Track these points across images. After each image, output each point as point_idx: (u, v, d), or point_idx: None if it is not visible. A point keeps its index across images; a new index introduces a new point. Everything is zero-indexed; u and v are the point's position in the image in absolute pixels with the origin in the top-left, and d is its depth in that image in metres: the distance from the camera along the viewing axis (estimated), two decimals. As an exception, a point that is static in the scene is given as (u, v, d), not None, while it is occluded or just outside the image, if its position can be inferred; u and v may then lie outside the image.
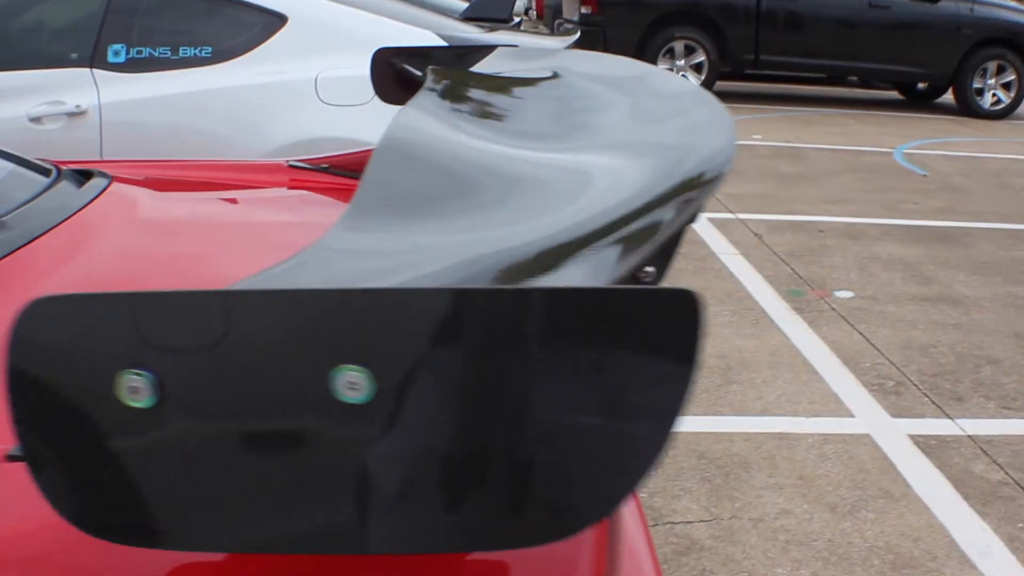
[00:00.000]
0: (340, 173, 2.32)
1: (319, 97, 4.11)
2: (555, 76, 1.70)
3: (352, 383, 0.64)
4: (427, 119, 1.20)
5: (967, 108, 12.39)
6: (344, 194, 2.24)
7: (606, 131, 1.22)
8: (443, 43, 4.23)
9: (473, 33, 4.54)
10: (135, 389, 0.64)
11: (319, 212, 2.10)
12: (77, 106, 4.08)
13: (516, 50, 2.64)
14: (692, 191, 0.97)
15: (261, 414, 0.65)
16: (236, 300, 0.64)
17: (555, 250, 0.84)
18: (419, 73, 2.33)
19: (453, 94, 1.49)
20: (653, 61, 11.62)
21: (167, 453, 0.65)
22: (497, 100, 1.46)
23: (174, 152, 4.02)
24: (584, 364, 0.65)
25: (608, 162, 1.06)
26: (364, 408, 0.64)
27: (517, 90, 1.57)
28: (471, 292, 0.63)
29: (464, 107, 1.37)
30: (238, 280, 1.60)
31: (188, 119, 4.12)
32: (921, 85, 13.44)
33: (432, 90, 1.47)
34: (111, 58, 4.17)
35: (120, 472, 0.65)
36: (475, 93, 1.53)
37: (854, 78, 13.86)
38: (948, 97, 13.06)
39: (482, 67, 2.31)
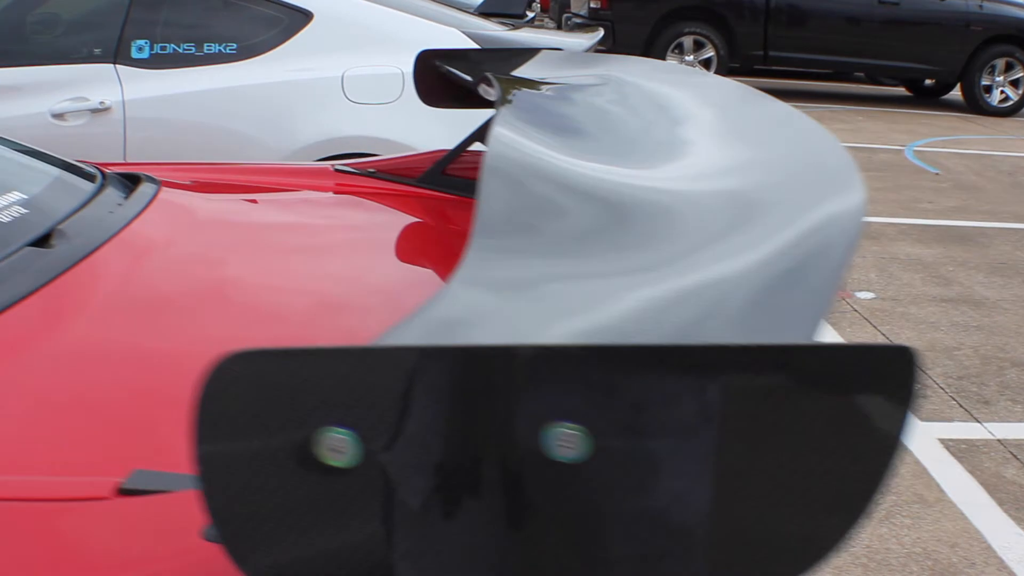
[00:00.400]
0: (386, 177, 2.29)
1: (345, 95, 4.08)
2: (629, 86, 1.68)
3: (566, 441, 0.61)
4: (525, 140, 1.17)
5: (975, 105, 12.37)
6: (392, 199, 2.21)
7: (712, 152, 1.19)
8: (469, 40, 4.19)
9: (498, 31, 4.51)
10: (336, 447, 0.61)
11: (377, 219, 2.08)
12: (101, 102, 4.04)
13: (563, 54, 2.61)
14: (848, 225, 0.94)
15: (468, 473, 0.62)
16: (444, 355, 0.61)
17: (737, 295, 0.82)
18: (466, 76, 2.30)
19: (539, 108, 1.46)
20: (662, 56, 11.58)
21: (366, 513, 0.63)
22: (583, 114, 1.43)
23: (199, 150, 3.98)
24: (800, 421, 0.63)
25: (743, 190, 1.04)
26: (576, 467, 0.62)
27: (599, 102, 1.54)
28: (691, 349, 0.61)
29: (556, 123, 1.34)
30: (311, 296, 1.58)
31: (213, 116, 4.09)
32: (928, 81, 13.41)
33: (514, 104, 1.44)
34: (135, 54, 4.14)
35: (318, 532, 0.62)
36: (558, 107, 1.50)
37: (860, 74, 13.84)
38: (955, 94, 13.02)
39: (530, 71, 2.28)
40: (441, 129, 3.82)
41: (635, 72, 1.96)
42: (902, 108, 12.57)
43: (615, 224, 0.97)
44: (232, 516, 0.63)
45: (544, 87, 1.78)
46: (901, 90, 14.07)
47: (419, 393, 0.62)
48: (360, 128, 4.05)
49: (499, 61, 2.44)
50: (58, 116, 4.03)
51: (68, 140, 4.00)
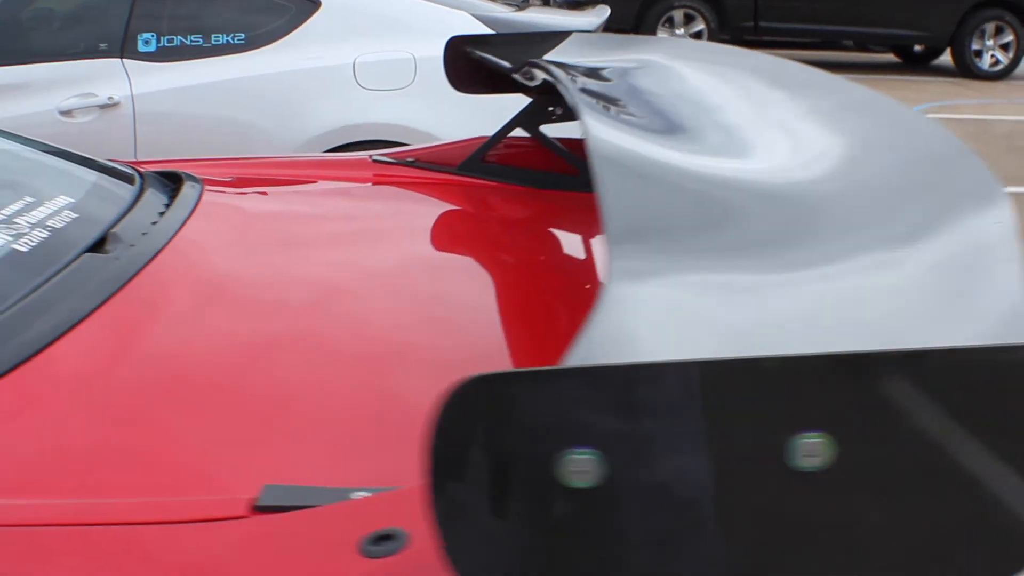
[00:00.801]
0: (426, 166, 2.26)
1: (358, 82, 4.04)
2: (687, 70, 1.65)
3: (811, 450, 0.60)
4: (624, 133, 1.15)
5: (966, 70, 12.35)
6: (434, 188, 2.18)
7: (815, 141, 1.17)
8: (480, 23, 4.15)
9: (507, 13, 4.47)
10: (581, 468, 0.60)
11: (428, 211, 2.05)
12: (109, 98, 3.99)
13: (594, 37, 2.59)
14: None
15: (712, 488, 0.61)
16: (685, 370, 0.60)
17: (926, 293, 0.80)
18: (501, 62, 2.27)
19: (615, 97, 1.44)
20: (652, 31, 11.53)
21: (609, 532, 0.61)
22: (662, 102, 1.40)
23: (211, 143, 3.94)
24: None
25: (876, 183, 1.02)
26: (820, 475, 0.61)
27: (668, 88, 1.52)
28: (936, 353, 0.60)
29: (642, 113, 1.32)
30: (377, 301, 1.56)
31: (224, 108, 4.04)
32: (918, 48, 13.40)
33: (586, 93, 1.42)
34: (141, 47, 4.08)
35: (559, 553, 0.61)
36: (632, 94, 1.47)
37: (849, 42, 13.81)
38: (945, 59, 13.01)
39: (573, 56, 2.25)
40: (456, 113, 3.79)
41: (684, 55, 1.93)
42: (892, 75, 12.55)
43: (758, 219, 0.95)
44: (468, 541, 0.61)
45: (603, 73, 1.75)
46: (891, 57, 14.04)
47: (661, 409, 0.60)
48: (374, 115, 4.01)
49: (530, 46, 2.41)
50: (66, 113, 3.98)
51: (77, 137, 3.93)
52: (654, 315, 0.75)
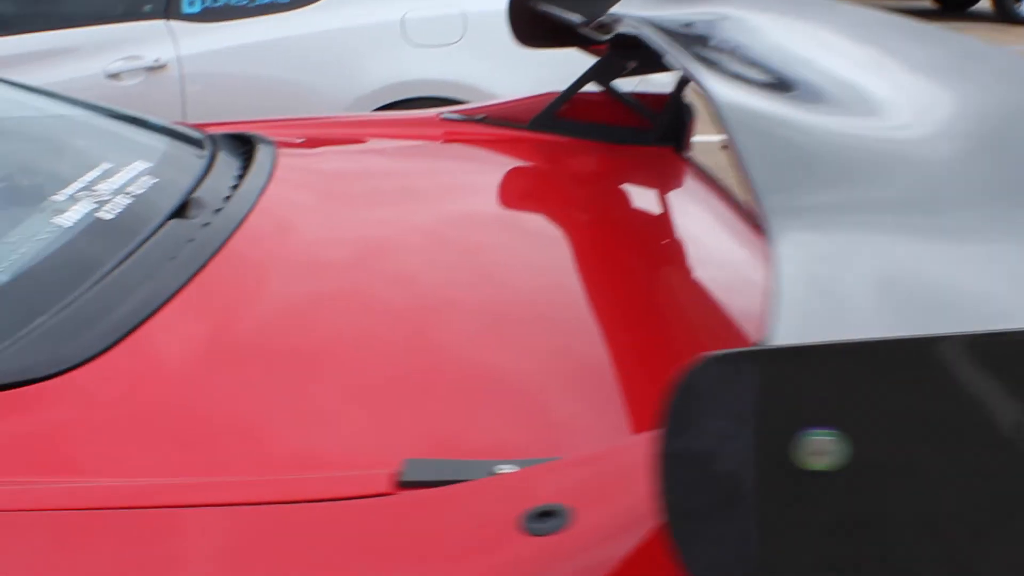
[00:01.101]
0: (498, 123, 2.22)
1: (407, 38, 3.99)
2: (776, 23, 1.60)
3: None
4: (745, 92, 1.10)
5: (1005, 15, 12.14)
6: (508, 145, 2.14)
7: (945, 96, 1.12)
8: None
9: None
10: (820, 450, 0.57)
11: (506, 169, 2.01)
12: (156, 60, 3.96)
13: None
14: None
15: (955, 468, 0.58)
16: (933, 345, 0.57)
17: None
18: (567, 15, 2.22)
19: (720, 52, 1.39)
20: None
21: (857, 520, 0.58)
22: (768, 58, 1.35)
23: (260, 103, 3.90)
24: None
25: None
26: None
27: (769, 41, 1.46)
28: None
29: (751, 70, 1.27)
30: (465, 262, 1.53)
31: (271, 68, 4.01)
32: (956, -8, 13.19)
33: (692, 52, 1.36)
34: (186, 8, 4.05)
35: (790, 537, 0.58)
36: (737, 50, 1.41)
37: (885, -11, 13.60)
38: (983, 5, 12.78)
39: (631, 7, 2.19)
40: (506, 69, 3.75)
41: (764, 6, 1.88)
42: (930, 21, 12.33)
43: (910, 178, 0.91)
44: (701, 529, 0.58)
45: (692, 29, 1.70)
46: (927, 3, 13.82)
47: (908, 387, 0.57)
48: (423, 72, 3.97)
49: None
50: (113, 76, 3.96)
51: (125, 100, 3.90)
52: (848, 283, 0.71)
